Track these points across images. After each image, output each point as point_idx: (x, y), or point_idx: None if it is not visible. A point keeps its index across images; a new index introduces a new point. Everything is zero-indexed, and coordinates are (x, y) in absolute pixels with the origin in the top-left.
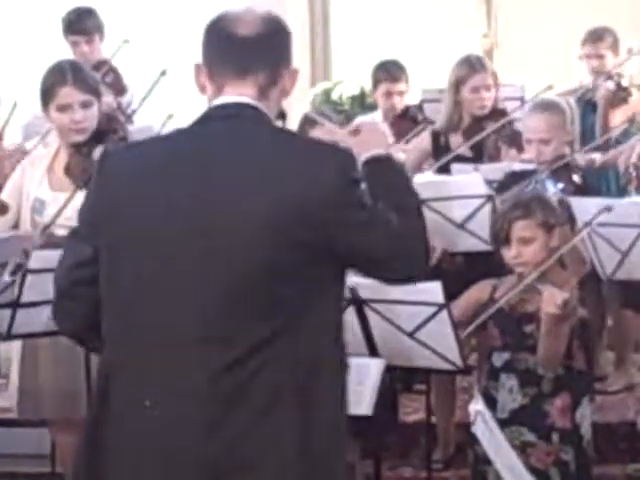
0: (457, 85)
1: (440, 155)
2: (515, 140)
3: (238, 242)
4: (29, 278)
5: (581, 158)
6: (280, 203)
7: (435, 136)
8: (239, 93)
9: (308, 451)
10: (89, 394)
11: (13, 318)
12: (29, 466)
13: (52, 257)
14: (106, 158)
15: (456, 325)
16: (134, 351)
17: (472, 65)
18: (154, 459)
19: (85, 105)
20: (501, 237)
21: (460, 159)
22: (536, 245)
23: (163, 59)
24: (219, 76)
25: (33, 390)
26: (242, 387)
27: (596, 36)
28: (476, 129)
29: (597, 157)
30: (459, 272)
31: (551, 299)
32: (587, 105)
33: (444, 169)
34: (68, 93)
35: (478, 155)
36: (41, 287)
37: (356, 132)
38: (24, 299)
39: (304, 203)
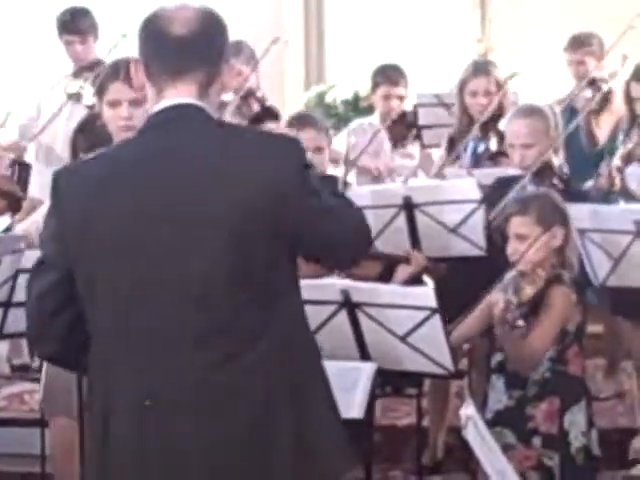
0: (461, 89)
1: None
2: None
3: (204, 245)
4: (21, 277)
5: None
6: (239, 203)
7: (450, 141)
8: (178, 94)
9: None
10: (79, 393)
11: (5, 317)
12: (19, 466)
13: None
14: (58, 180)
15: (448, 331)
16: (131, 356)
17: (473, 69)
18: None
19: (134, 103)
20: (500, 233)
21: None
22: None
23: None
24: (157, 77)
25: (57, 389)
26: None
27: (577, 42)
28: (483, 133)
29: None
30: (442, 281)
31: (493, 302)
32: (570, 112)
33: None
34: (118, 89)
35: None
36: None
37: None
38: (16, 299)
39: (263, 198)
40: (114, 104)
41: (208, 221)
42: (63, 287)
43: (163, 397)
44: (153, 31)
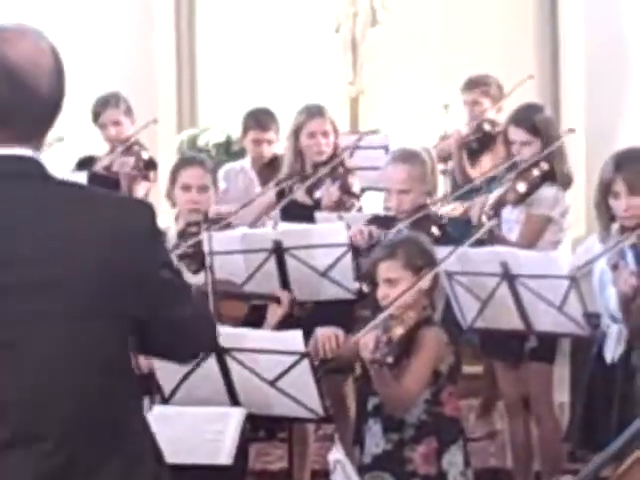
0: (296, 132)
1: (286, 204)
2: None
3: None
4: None
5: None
6: (90, 272)
7: (280, 189)
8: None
9: None
10: None
11: None
12: None
13: None
14: None
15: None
16: None
17: (309, 112)
18: None
19: None
20: (370, 278)
21: (301, 207)
22: (402, 286)
23: None
24: None
25: None
26: None
27: (473, 82)
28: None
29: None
30: (311, 317)
31: (364, 343)
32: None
33: (289, 216)
34: None
35: (318, 203)
36: None
37: None
38: None
39: (114, 264)
40: None
41: (46, 287)
42: None
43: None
44: None
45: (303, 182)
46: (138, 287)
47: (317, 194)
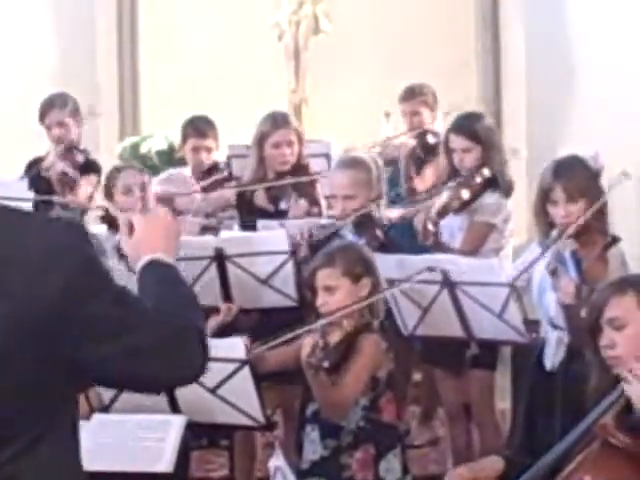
0: (261, 141)
1: (244, 210)
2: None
3: None
4: None
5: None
6: (16, 315)
7: (240, 191)
8: None
9: None
10: None
11: None
12: None
13: None
14: None
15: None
16: None
17: (275, 121)
18: None
19: None
20: (309, 286)
21: (264, 215)
22: (341, 294)
23: None
24: None
25: None
26: None
27: (411, 93)
28: (279, 185)
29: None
30: (255, 327)
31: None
32: (395, 162)
33: (251, 225)
34: None
35: (281, 212)
36: None
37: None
38: None
39: (43, 304)
40: None
41: None
42: None
43: None
44: None
45: (265, 190)
46: (73, 321)
47: (282, 205)
